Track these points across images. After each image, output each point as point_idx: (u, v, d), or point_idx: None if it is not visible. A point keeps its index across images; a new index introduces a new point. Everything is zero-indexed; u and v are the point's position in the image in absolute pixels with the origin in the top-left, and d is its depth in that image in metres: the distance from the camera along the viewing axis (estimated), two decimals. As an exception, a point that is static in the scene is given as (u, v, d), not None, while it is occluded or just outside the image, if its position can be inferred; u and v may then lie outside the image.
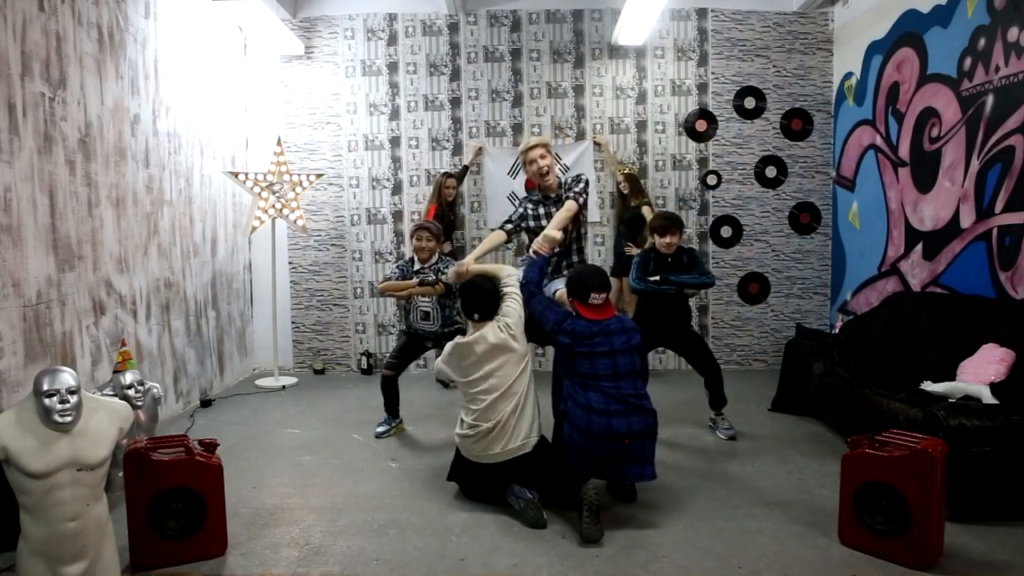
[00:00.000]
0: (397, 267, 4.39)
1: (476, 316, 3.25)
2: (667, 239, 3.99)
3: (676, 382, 5.55)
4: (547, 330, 3.16)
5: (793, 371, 4.58)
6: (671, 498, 3.20)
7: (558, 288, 3.50)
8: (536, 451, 3.10)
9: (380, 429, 4.24)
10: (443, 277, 4.16)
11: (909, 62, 4.80)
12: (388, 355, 4.42)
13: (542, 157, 3.63)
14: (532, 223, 3.73)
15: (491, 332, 3.16)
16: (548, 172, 3.65)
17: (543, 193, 3.75)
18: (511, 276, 3.39)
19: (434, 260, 4.27)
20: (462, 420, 3.19)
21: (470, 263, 3.56)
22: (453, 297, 4.31)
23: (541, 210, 3.72)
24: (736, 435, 4.07)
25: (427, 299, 4.20)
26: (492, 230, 3.88)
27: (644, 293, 4.07)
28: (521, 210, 3.79)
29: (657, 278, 3.98)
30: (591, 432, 2.93)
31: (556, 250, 3.53)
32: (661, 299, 4.02)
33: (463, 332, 4.26)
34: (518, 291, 3.30)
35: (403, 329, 4.40)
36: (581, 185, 3.62)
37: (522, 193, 5.83)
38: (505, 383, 3.10)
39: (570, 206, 3.52)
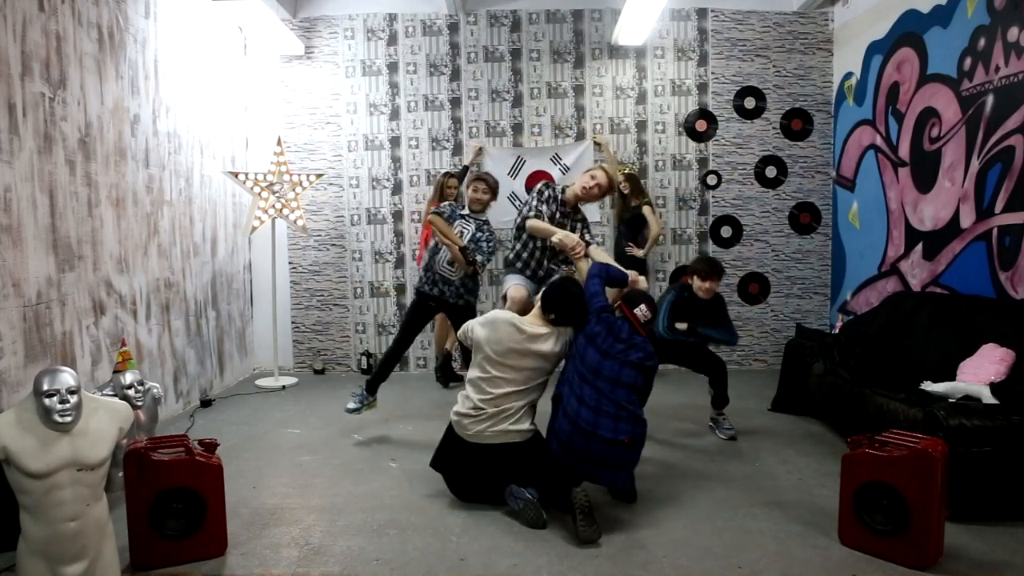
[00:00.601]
0: (448, 204, 4.32)
1: (553, 316, 3.16)
2: (708, 284, 4.04)
3: (676, 382, 5.55)
4: (591, 308, 3.18)
5: (793, 371, 4.58)
6: (671, 498, 3.20)
7: (513, 283, 3.69)
8: (530, 444, 3.09)
9: (351, 405, 4.13)
10: (479, 260, 4.09)
11: (909, 62, 4.80)
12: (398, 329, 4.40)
13: (598, 187, 3.84)
14: (545, 211, 3.86)
15: (554, 340, 3.13)
16: (585, 196, 3.88)
17: (562, 196, 3.91)
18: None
19: (481, 217, 4.20)
20: (466, 398, 3.14)
21: (586, 248, 3.68)
22: (475, 280, 4.29)
23: (552, 207, 3.87)
24: (736, 435, 4.07)
25: (455, 266, 4.11)
26: (526, 218, 3.87)
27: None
28: (549, 193, 3.88)
29: (685, 326, 4.00)
30: (578, 424, 2.94)
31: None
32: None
33: (470, 306, 4.22)
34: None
35: (420, 283, 4.28)
36: (587, 229, 3.99)
37: (522, 194, 5.84)
38: (528, 383, 3.10)
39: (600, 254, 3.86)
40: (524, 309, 3.59)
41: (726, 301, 4.37)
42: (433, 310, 4.31)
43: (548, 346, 3.12)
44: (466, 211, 4.23)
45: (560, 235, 3.69)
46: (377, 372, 4.24)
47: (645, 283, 3.56)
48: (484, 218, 4.25)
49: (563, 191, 3.95)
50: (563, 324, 3.18)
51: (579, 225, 3.98)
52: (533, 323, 3.17)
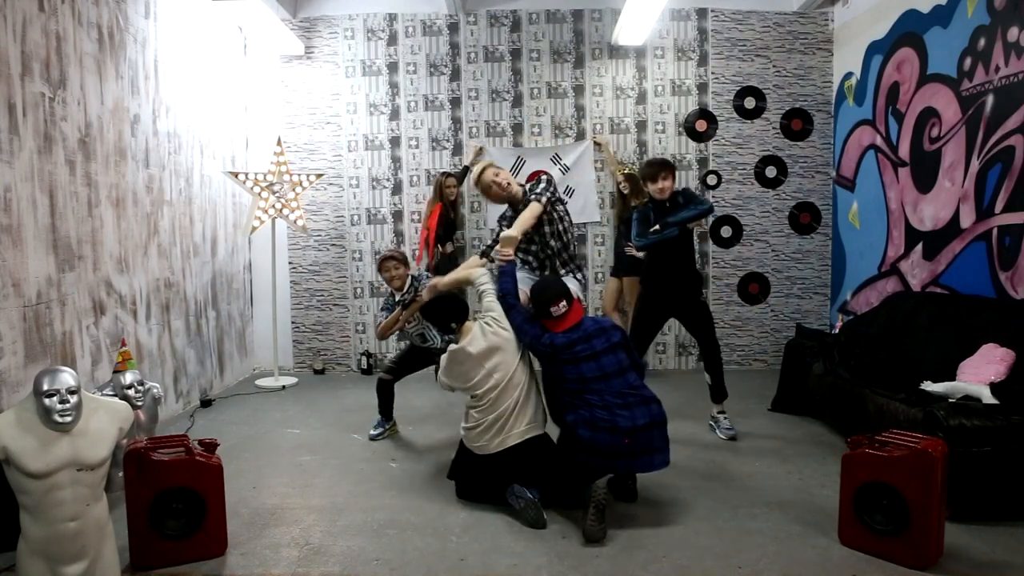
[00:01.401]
0: (383, 306, 4.29)
1: (454, 325, 3.29)
2: (659, 184, 3.91)
3: (676, 382, 5.55)
4: (526, 343, 3.17)
5: (793, 371, 4.58)
6: (671, 498, 3.20)
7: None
8: (538, 443, 3.11)
9: (374, 432, 4.21)
10: (420, 294, 4.05)
11: (909, 62, 4.80)
12: (388, 359, 4.39)
13: (495, 176, 3.51)
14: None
15: (479, 332, 3.16)
16: (508, 184, 3.54)
17: (513, 208, 3.62)
18: (483, 275, 3.42)
19: (408, 285, 4.16)
20: (469, 414, 3.19)
21: (439, 280, 3.54)
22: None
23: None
24: (736, 435, 4.07)
25: (414, 322, 4.13)
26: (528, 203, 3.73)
27: (651, 250, 4.05)
28: (498, 229, 3.73)
29: (657, 227, 3.87)
30: (597, 424, 2.92)
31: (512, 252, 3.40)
32: (668, 256, 3.97)
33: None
34: (492, 286, 3.33)
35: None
36: (541, 186, 3.49)
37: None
38: (507, 375, 3.11)
39: (533, 208, 3.39)
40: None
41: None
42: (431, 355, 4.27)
43: (483, 341, 3.13)
44: (397, 296, 4.18)
45: (424, 293, 3.59)
46: (382, 401, 4.22)
47: (513, 235, 3.28)
48: (408, 286, 4.14)
49: (508, 207, 3.68)
50: (464, 320, 3.29)
51: (531, 196, 3.54)
52: (462, 339, 3.21)
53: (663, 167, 3.94)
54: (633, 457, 2.95)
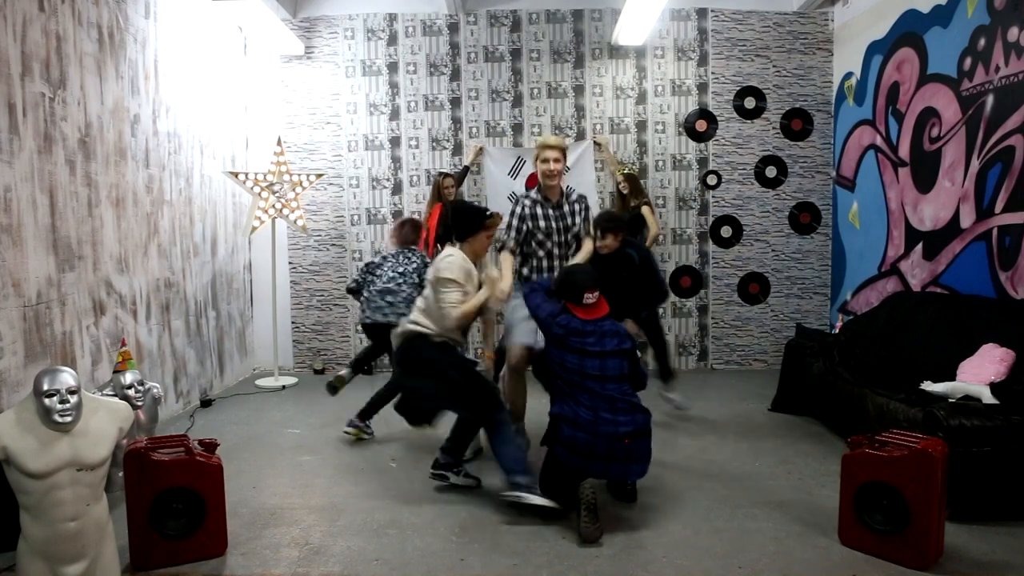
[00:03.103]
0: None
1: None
2: (601, 242, 3.93)
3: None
4: (541, 319, 3.13)
5: (793, 371, 4.58)
6: (671, 498, 3.20)
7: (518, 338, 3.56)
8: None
9: (349, 429, 4.14)
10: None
11: (909, 62, 4.80)
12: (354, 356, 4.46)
13: (556, 160, 3.65)
14: (530, 223, 3.71)
15: (459, 262, 3.27)
16: (556, 176, 3.67)
17: (543, 194, 3.74)
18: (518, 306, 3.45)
19: None
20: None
21: (508, 285, 3.41)
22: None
23: (539, 210, 3.72)
24: (685, 407, 4.25)
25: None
26: (498, 251, 3.74)
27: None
28: (519, 210, 3.73)
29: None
30: (578, 423, 2.92)
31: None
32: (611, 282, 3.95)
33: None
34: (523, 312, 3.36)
35: None
36: (584, 213, 3.80)
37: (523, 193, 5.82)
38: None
39: (588, 247, 3.78)
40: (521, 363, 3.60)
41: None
42: None
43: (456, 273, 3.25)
44: None
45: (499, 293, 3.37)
46: (378, 399, 4.18)
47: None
48: None
49: (537, 190, 3.77)
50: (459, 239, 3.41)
51: (578, 217, 3.77)
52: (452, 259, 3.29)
53: (603, 226, 3.93)
54: (610, 462, 2.93)
